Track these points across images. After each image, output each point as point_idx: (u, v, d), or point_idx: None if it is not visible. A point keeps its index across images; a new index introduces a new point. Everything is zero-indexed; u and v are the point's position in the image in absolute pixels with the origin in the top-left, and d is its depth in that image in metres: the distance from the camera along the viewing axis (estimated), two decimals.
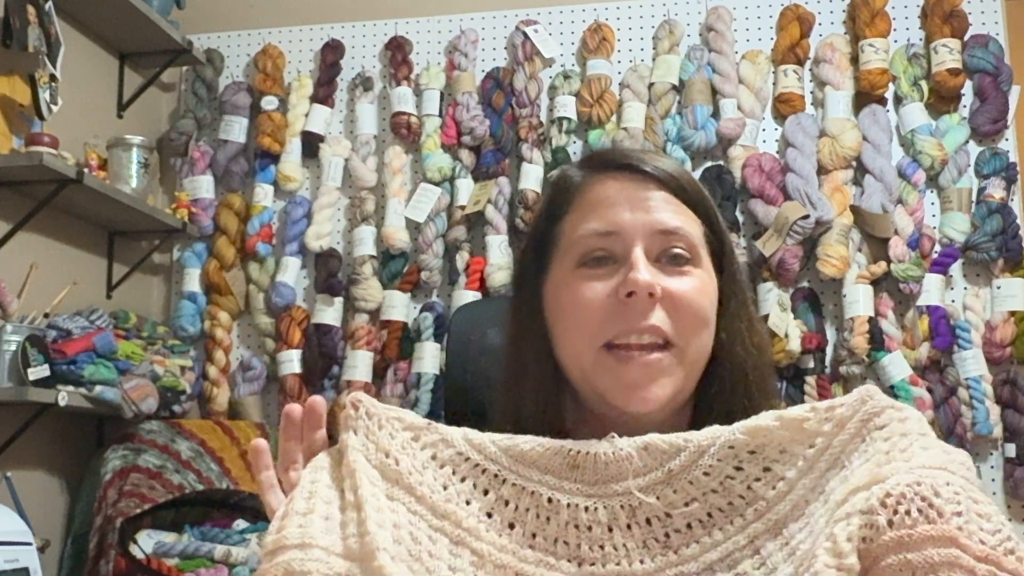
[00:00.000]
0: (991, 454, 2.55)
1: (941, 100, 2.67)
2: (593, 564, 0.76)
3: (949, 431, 2.49)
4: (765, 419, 0.77)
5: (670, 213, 0.85)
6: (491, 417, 0.92)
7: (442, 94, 2.86)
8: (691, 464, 0.77)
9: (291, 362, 2.75)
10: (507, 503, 0.78)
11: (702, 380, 0.87)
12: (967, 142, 2.64)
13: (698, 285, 0.85)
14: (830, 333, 2.63)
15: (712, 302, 0.86)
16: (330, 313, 2.77)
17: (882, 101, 2.68)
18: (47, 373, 2.13)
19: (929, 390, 2.53)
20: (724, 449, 0.77)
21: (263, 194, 2.86)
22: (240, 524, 2.43)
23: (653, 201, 0.85)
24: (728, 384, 0.87)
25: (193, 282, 2.86)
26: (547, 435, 0.81)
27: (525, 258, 0.92)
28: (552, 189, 0.92)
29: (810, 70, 2.76)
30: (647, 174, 0.86)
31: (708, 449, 0.77)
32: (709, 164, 2.72)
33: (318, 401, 0.82)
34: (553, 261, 0.89)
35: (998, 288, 2.58)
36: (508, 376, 0.91)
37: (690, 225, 0.86)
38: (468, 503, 0.78)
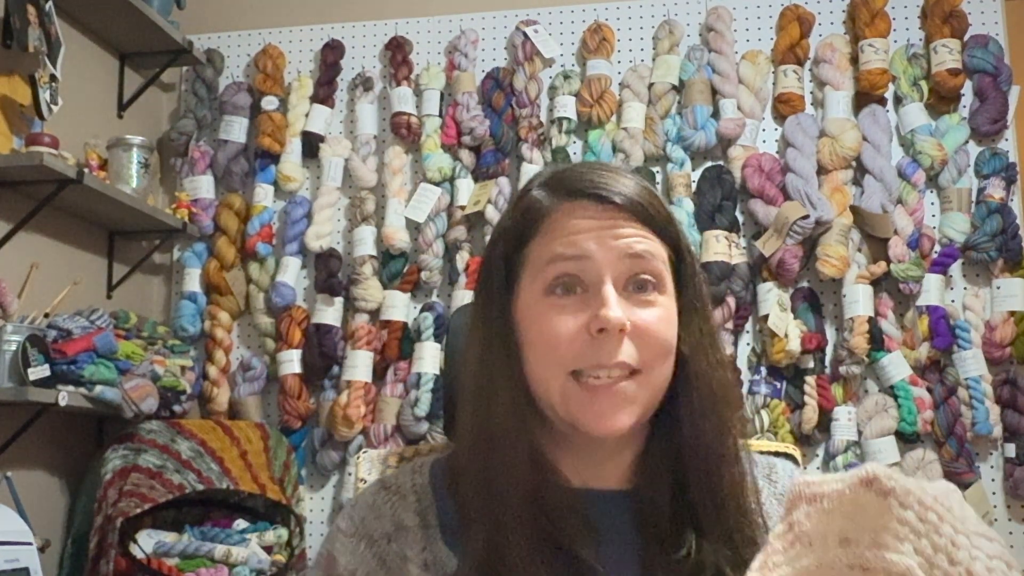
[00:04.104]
0: (991, 454, 2.55)
1: (941, 100, 2.67)
2: None
3: (949, 431, 2.49)
4: None
5: (637, 239, 0.88)
6: (459, 432, 0.95)
7: (442, 94, 2.86)
8: None
9: (291, 362, 2.75)
10: None
11: (667, 394, 0.91)
12: (967, 142, 2.64)
13: (664, 315, 0.89)
14: (830, 333, 2.63)
15: (675, 329, 0.90)
16: (330, 313, 2.77)
17: (882, 101, 2.67)
18: (47, 373, 2.13)
19: (929, 390, 2.53)
20: None
21: (263, 194, 2.86)
22: (240, 524, 2.43)
23: (620, 228, 0.88)
24: (695, 399, 0.90)
25: (193, 282, 2.86)
26: (519, 451, 0.85)
27: (491, 278, 0.93)
28: (518, 211, 0.93)
29: (810, 70, 2.76)
30: (614, 203, 0.89)
31: None
32: (709, 164, 2.72)
33: None
34: (521, 284, 0.90)
35: (998, 288, 2.58)
36: (477, 394, 0.91)
37: (656, 250, 0.89)
38: None
